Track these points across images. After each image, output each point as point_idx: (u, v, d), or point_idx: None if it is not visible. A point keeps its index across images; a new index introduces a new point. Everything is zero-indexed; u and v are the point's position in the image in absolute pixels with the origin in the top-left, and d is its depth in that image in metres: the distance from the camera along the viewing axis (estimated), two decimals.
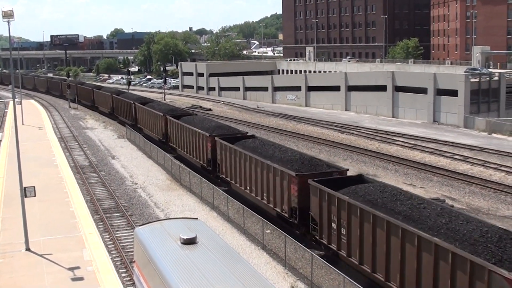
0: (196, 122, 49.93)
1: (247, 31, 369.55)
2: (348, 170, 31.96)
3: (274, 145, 38.38)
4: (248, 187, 36.80)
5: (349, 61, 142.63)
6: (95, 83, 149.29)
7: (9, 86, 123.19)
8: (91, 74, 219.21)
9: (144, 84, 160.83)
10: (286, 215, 31.68)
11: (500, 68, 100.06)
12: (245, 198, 37.04)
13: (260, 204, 35.26)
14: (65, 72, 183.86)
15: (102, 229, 34.31)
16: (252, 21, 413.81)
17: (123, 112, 75.60)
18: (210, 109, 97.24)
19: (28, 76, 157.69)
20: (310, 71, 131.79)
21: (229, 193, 37.65)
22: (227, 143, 40.11)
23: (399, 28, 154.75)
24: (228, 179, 40.07)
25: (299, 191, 30.00)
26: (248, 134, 45.18)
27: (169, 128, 55.36)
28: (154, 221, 24.69)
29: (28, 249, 29.67)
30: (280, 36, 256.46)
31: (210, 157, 43.50)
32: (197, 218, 24.49)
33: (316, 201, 28.33)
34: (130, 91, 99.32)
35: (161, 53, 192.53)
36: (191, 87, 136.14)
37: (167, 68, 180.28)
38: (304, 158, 33.65)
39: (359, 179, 29.21)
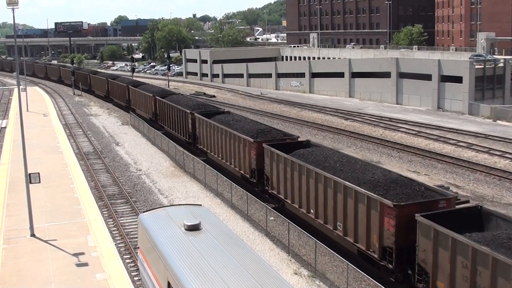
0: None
1: (251, 17, 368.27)
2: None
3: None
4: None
5: (353, 48, 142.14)
6: (99, 69, 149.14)
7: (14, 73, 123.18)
8: (95, 61, 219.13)
9: (148, 71, 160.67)
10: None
11: (505, 55, 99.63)
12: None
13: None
14: (69, 59, 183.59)
15: (106, 215, 34.43)
16: (256, 8, 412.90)
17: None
18: (214, 96, 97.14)
19: (40, 64, 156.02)
20: (314, 58, 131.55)
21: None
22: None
23: (403, 14, 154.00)
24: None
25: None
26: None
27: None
28: (158, 208, 24.73)
29: (33, 235, 29.80)
30: (284, 23, 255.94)
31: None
32: (201, 205, 24.53)
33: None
34: (134, 78, 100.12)
35: (165, 40, 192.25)
36: (195, 74, 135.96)
37: (171, 55, 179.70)
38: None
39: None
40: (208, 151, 44.93)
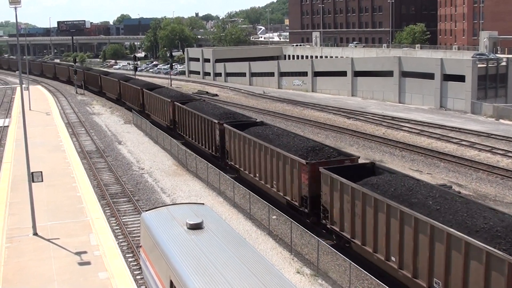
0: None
1: (253, 16, 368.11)
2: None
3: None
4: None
5: (355, 47, 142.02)
6: (101, 69, 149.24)
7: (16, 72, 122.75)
8: (98, 60, 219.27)
9: (151, 70, 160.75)
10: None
11: (507, 53, 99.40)
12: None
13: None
14: (72, 58, 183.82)
15: (109, 214, 34.45)
16: (258, 7, 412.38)
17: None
18: (216, 95, 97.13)
19: (48, 63, 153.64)
20: (316, 57, 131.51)
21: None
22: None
23: (406, 13, 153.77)
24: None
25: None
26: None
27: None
28: (160, 206, 24.74)
29: (35, 234, 29.83)
30: (287, 21, 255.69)
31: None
32: (203, 203, 24.53)
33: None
34: (136, 77, 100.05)
35: (167, 38, 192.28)
36: (198, 72, 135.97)
37: (174, 53, 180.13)
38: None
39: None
40: (241, 169, 38.95)
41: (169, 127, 57.72)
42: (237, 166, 39.85)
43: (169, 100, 57.25)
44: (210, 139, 45.28)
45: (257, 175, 36.41)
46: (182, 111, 52.94)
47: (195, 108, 50.16)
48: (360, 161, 31.30)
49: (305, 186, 30.07)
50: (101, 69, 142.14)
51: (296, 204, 31.18)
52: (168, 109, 57.29)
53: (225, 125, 41.83)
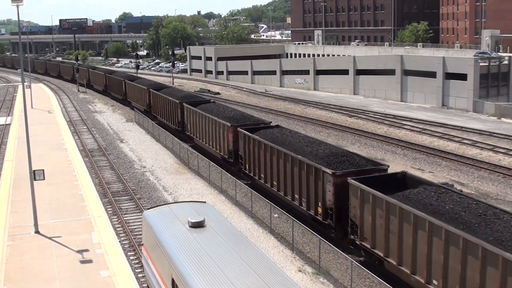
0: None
1: (255, 14, 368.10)
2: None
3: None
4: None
5: (357, 45, 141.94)
6: (103, 67, 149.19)
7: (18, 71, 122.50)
8: (100, 58, 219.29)
9: (153, 68, 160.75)
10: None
11: (509, 52, 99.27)
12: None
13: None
14: (74, 56, 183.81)
15: (110, 212, 34.48)
16: (260, 5, 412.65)
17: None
18: (218, 93, 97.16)
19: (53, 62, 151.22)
20: (318, 55, 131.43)
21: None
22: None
23: (408, 11, 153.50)
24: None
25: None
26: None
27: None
28: (162, 205, 24.76)
29: (37, 232, 29.88)
30: (289, 20, 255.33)
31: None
32: (205, 202, 24.54)
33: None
34: (138, 75, 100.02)
35: (169, 37, 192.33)
36: (200, 71, 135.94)
37: (176, 52, 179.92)
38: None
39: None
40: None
41: (177, 129, 55.46)
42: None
43: (178, 102, 55.07)
44: (221, 142, 42.63)
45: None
46: (191, 113, 50.57)
47: (207, 111, 46.76)
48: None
49: (230, 143, 33.85)
50: (106, 67, 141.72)
51: (320, 218, 29.02)
52: (177, 111, 55.02)
53: (239, 129, 39.11)
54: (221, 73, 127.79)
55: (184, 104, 52.82)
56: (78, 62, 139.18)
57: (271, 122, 43.69)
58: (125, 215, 33.93)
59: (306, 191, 30.01)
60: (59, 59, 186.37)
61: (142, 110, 68.33)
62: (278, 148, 33.04)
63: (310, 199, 29.68)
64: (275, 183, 33.80)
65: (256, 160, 36.07)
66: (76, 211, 33.43)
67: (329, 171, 27.69)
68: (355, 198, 25.78)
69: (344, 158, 29.48)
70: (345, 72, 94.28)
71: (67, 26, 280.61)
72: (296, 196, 31.16)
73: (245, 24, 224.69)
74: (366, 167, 28.53)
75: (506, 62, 78.68)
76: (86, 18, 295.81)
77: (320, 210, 28.77)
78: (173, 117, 56.35)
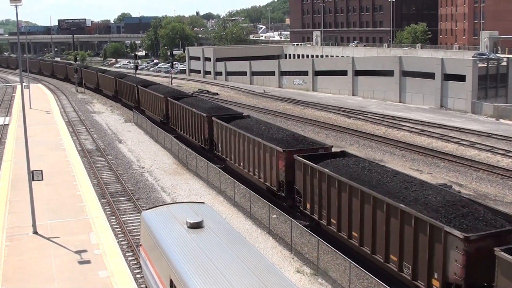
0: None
1: (254, 15, 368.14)
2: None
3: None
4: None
5: (356, 46, 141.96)
6: (101, 67, 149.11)
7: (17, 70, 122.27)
8: (99, 58, 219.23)
9: (151, 69, 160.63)
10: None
11: (508, 53, 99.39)
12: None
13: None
14: (73, 56, 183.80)
15: (109, 212, 34.47)
16: (259, 6, 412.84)
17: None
18: (217, 94, 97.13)
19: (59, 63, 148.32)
20: (317, 56, 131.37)
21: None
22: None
23: (407, 12, 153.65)
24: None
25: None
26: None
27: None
28: (160, 205, 24.76)
29: (35, 232, 29.85)
30: (287, 21, 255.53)
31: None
32: (203, 202, 24.54)
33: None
34: (136, 75, 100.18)
35: (168, 37, 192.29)
36: (198, 71, 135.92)
37: (174, 52, 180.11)
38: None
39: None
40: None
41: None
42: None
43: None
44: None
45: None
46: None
47: (243, 128, 40.68)
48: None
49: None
50: (114, 70, 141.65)
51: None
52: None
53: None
54: (220, 73, 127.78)
55: (213, 118, 44.28)
56: (77, 62, 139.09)
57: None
58: (124, 216, 33.92)
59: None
60: (58, 59, 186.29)
61: (158, 121, 61.02)
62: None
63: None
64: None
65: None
66: (75, 212, 33.41)
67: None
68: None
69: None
70: (343, 73, 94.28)
71: (65, 26, 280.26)
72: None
73: (244, 24, 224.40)
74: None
75: (504, 63, 78.67)
76: (85, 19, 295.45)
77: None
78: (199, 133, 48.16)
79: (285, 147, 32.78)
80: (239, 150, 38.75)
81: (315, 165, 28.78)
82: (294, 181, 31.26)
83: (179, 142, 49.06)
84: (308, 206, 29.98)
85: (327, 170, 27.81)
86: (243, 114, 47.09)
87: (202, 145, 47.31)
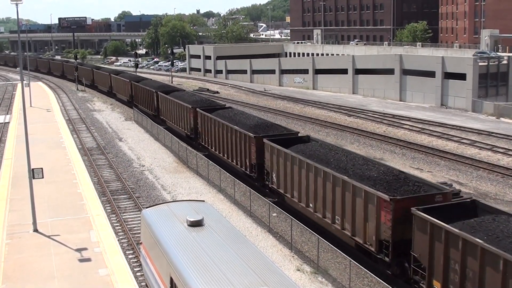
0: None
1: (255, 13, 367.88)
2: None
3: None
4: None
5: (356, 44, 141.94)
6: (102, 65, 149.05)
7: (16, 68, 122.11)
8: (99, 56, 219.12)
9: (152, 67, 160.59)
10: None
11: (509, 52, 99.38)
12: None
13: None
14: (73, 54, 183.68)
15: (109, 210, 34.48)
16: (260, 4, 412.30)
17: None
18: (217, 92, 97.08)
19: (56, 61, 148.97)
20: (317, 54, 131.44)
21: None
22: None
23: (407, 11, 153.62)
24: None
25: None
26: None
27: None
28: (161, 203, 24.78)
29: (36, 230, 29.87)
30: (288, 19, 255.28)
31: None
32: (204, 201, 24.56)
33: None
34: (137, 73, 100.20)
35: (168, 35, 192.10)
36: (199, 70, 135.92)
37: (175, 50, 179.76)
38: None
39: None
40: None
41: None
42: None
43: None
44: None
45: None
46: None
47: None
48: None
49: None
50: (130, 70, 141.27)
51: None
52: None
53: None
54: (220, 72, 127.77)
55: (265, 141, 35.46)
56: (78, 60, 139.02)
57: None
58: (124, 214, 33.94)
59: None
60: (58, 57, 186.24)
61: (183, 134, 53.03)
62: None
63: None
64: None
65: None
66: (75, 210, 33.43)
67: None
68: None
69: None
70: (344, 71, 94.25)
71: (66, 24, 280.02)
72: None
73: (244, 23, 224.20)
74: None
75: (505, 62, 78.62)
76: (85, 17, 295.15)
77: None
78: (242, 155, 39.08)
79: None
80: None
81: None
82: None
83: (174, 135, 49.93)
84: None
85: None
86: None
87: (248, 172, 38.82)
